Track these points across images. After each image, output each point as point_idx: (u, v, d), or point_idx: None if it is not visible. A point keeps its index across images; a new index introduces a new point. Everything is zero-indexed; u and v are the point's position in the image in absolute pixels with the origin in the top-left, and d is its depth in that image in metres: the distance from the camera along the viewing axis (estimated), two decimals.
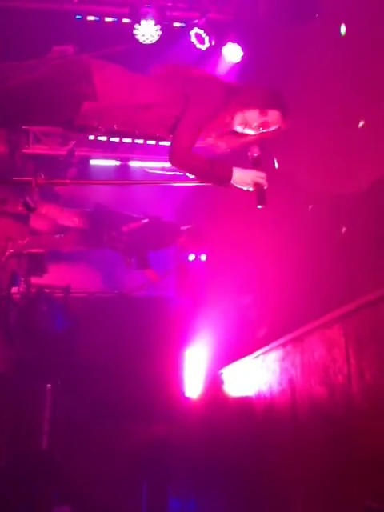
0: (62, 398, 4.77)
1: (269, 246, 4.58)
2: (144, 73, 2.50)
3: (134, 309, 5.89)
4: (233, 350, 4.70)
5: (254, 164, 2.35)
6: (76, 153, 6.07)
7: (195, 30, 5.42)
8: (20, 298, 5.49)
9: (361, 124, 3.64)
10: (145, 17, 5.26)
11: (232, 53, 5.49)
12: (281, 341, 3.17)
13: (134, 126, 2.43)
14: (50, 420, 4.55)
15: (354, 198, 3.58)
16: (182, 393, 5.54)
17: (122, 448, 5.06)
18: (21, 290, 5.48)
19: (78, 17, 5.43)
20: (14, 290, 5.44)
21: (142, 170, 6.48)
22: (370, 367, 2.13)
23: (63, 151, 5.94)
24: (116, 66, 2.42)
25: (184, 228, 5.47)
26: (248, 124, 2.38)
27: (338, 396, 2.41)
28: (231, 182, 2.31)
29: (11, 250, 5.25)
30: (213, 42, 5.43)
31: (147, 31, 5.29)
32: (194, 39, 5.45)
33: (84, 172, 6.28)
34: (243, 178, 2.31)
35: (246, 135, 2.45)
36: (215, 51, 5.53)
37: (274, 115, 2.38)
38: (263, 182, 2.31)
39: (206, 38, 5.42)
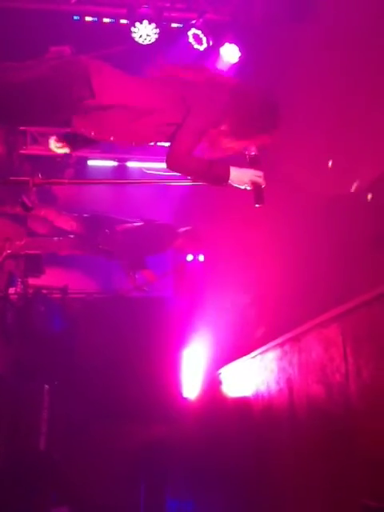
0: (59, 398, 4.76)
1: (266, 246, 4.58)
2: (141, 74, 2.49)
3: (131, 309, 5.88)
4: (231, 350, 4.71)
5: (252, 163, 2.36)
6: (73, 153, 6.07)
7: (193, 30, 5.43)
8: (17, 298, 5.48)
9: (358, 125, 3.65)
10: (142, 18, 5.27)
11: (230, 53, 5.50)
12: (278, 340, 3.18)
13: (132, 137, 2.41)
14: (47, 420, 4.54)
15: (352, 197, 3.59)
16: (180, 393, 5.54)
17: (120, 448, 5.05)
18: (18, 290, 5.47)
19: (75, 17, 5.44)
20: (12, 290, 5.43)
21: (140, 171, 6.48)
22: (367, 366, 2.13)
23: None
24: (113, 68, 2.41)
25: (181, 230, 5.47)
26: (249, 149, 2.40)
27: (335, 395, 2.41)
28: (229, 181, 2.31)
29: (8, 251, 5.25)
30: (210, 43, 5.44)
31: (145, 32, 5.30)
32: (191, 40, 5.47)
33: (81, 173, 6.29)
34: (241, 177, 2.31)
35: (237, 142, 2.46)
36: (213, 52, 5.54)
37: (263, 139, 2.42)
38: (261, 180, 2.31)
39: (204, 39, 5.44)
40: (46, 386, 4.66)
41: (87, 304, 6.03)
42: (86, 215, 5.49)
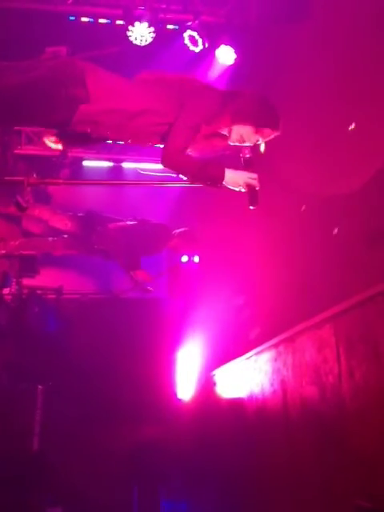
0: (53, 399, 4.75)
1: (261, 247, 4.60)
2: (133, 78, 2.51)
3: (126, 310, 5.87)
4: (225, 352, 4.71)
5: (246, 165, 2.37)
6: (69, 154, 6.07)
7: (188, 32, 5.44)
8: (12, 299, 5.46)
9: (351, 126, 3.67)
10: (138, 19, 5.28)
11: (225, 55, 5.51)
12: (273, 341, 3.19)
13: (128, 135, 2.43)
14: (41, 422, 4.53)
15: (346, 198, 3.61)
16: (175, 394, 5.53)
17: (114, 449, 5.04)
18: (12, 291, 5.45)
19: (71, 18, 5.43)
20: (6, 291, 5.41)
21: (135, 171, 6.48)
22: (359, 367, 2.14)
23: (56, 152, 5.93)
24: (107, 71, 2.43)
25: (177, 231, 5.47)
26: (243, 139, 2.41)
27: (328, 396, 2.42)
28: (223, 182, 2.32)
29: (3, 251, 5.23)
30: (206, 45, 5.45)
31: (141, 33, 5.30)
32: (187, 41, 5.47)
33: (77, 173, 6.28)
34: (235, 179, 2.32)
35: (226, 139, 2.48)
36: (208, 53, 5.55)
37: (267, 132, 2.42)
38: (255, 182, 2.32)
39: (200, 41, 5.44)
40: (40, 387, 4.65)
41: (82, 305, 6.02)
42: (80, 214, 5.48)
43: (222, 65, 5.56)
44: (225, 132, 2.47)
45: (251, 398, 3.66)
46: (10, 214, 5.03)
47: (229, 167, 2.34)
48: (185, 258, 5.88)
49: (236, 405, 4.01)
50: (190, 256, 5.92)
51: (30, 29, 5.13)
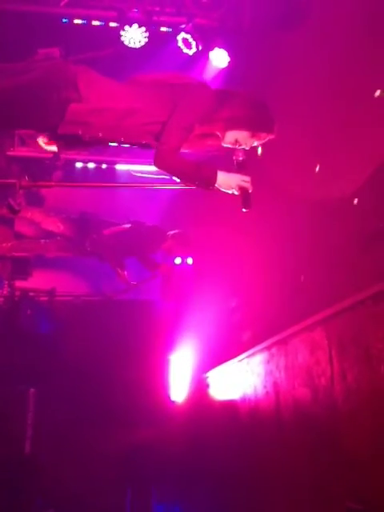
0: (45, 402, 4.73)
1: (254, 250, 4.61)
2: (126, 79, 2.50)
3: (119, 312, 5.86)
4: (218, 354, 4.72)
5: (239, 168, 2.37)
6: (62, 156, 6.05)
7: (182, 34, 5.45)
8: (4, 301, 5.44)
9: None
10: (132, 21, 5.28)
11: (219, 58, 5.53)
12: (265, 344, 3.19)
13: (120, 134, 2.42)
14: (33, 424, 4.51)
15: (338, 201, 3.63)
16: (168, 396, 5.53)
17: (107, 452, 5.02)
18: (5, 293, 5.43)
19: (64, 20, 5.43)
20: None
21: (128, 173, 6.47)
22: (351, 369, 2.15)
23: (49, 154, 5.92)
24: (99, 73, 2.42)
25: (170, 233, 5.47)
26: (238, 143, 2.41)
27: (321, 398, 2.43)
28: (216, 185, 2.32)
29: None
30: (200, 47, 5.47)
31: (134, 35, 5.31)
32: (180, 44, 5.49)
33: (70, 175, 6.26)
34: (228, 182, 2.32)
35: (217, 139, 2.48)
36: (202, 56, 5.57)
37: (263, 136, 2.43)
38: (248, 185, 2.32)
39: (193, 43, 5.46)
40: (32, 390, 4.63)
41: (74, 307, 6.00)
42: (73, 217, 5.47)
43: (216, 67, 5.58)
44: (219, 134, 2.47)
45: (244, 400, 3.66)
46: (3, 216, 5.01)
47: (222, 170, 2.34)
48: (178, 260, 5.88)
49: (229, 407, 4.01)
50: (184, 258, 5.93)
51: (23, 30, 5.12)
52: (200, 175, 2.31)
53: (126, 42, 5.33)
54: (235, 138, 2.41)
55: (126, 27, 5.28)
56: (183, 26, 5.44)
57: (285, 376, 2.88)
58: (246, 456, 3.61)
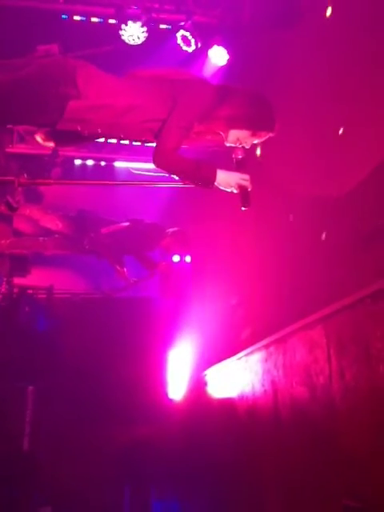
0: (44, 399, 4.73)
1: (253, 248, 4.61)
2: (125, 75, 2.49)
3: (117, 310, 5.86)
4: (216, 352, 4.72)
5: (239, 166, 2.37)
6: (60, 153, 6.05)
7: (181, 32, 5.44)
8: (2, 298, 5.44)
9: (341, 130, 3.69)
10: (131, 18, 5.27)
11: (218, 56, 5.53)
12: (264, 342, 3.19)
13: (119, 130, 2.41)
14: (31, 422, 4.51)
15: (337, 200, 3.62)
16: (166, 394, 5.54)
17: (105, 449, 5.03)
18: (3, 290, 5.43)
19: (63, 16, 5.41)
20: None
21: (127, 171, 6.47)
22: (350, 367, 2.16)
23: (48, 151, 5.91)
24: (98, 69, 2.41)
25: (169, 231, 5.47)
26: (239, 142, 2.41)
27: (319, 396, 2.43)
28: (215, 183, 2.32)
29: None
30: (199, 45, 5.46)
31: (133, 32, 5.30)
32: (180, 41, 5.48)
33: (68, 172, 6.26)
34: (227, 180, 2.31)
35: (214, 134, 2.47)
36: (201, 54, 5.56)
37: (264, 134, 2.42)
38: (247, 184, 2.31)
39: (192, 41, 5.45)
40: (30, 387, 4.63)
41: (73, 304, 6.00)
42: (71, 215, 5.47)
43: (215, 65, 5.57)
44: (220, 132, 2.46)
45: (242, 398, 3.66)
46: (1, 214, 5.00)
47: (221, 168, 2.34)
48: (177, 258, 5.89)
49: (227, 405, 4.02)
50: (182, 256, 5.93)
51: (22, 27, 5.10)
52: (199, 174, 2.30)
53: (125, 39, 5.31)
54: (237, 137, 2.40)
55: (127, 24, 5.27)
56: (182, 24, 5.43)
57: (283, 374, 2.88)
58: (243, 454, 3.62)
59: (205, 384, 4.84)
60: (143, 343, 5.40)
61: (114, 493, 5.02)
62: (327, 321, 2.37)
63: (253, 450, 3.41)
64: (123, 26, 5.27)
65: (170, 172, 2.34)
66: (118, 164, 6.58)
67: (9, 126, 5.76)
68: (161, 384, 5.54)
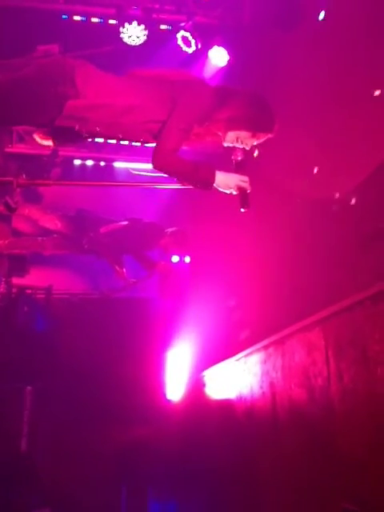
0: (42, 400, 4.73)
1: (252, 249, 4.60)
2: (125, 74, 2.49)
3: (116, 310, 5.86)
4: (215, 353, 4.71)
5: (238, 167, 2.36)
6: (60, 153, 6.04)
7: (182, 32, 5.44)
8: (1, 298, 5.43)
9: (344, 129, 3.69)
10: (131, 19, 5.27)
11: (218, 56, 5.53)
12: (262, 343, 3.19)
13: (118, 130, 2.40)
14: (29, 422, 4.50)
15: (337, 202, 3.62)
16: (164, 395, 5.53)
17: (103, 450, 5.03)
18: (2, 290, 5.42)
19: (64, 16, 5.41)
20: None
21: (127, 171, 6.46)
22: (348, 370, 2.15)
23: (47, 151, 5.91)
24: (97, 68, 2.40)
25: (168, 230, 5.46)
26: (239, 143, 2.41)
27: (317, 398, 2.43)
28: (214, 185, 2.31)
29: None
30: (199, 46, 5.46)
31: (133, 33, 5.30)
32: (180, 42, 5.47)
33: (68, 172, 6.25)
34: (226, 182, 2.31)
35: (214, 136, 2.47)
36: (201, 54, 5.56)
37: (263, 135, 2.42)
38: (246, 185, 2.31)
39: (193, 41, 5.45)
40: (28, 388, 4.62)
41: (71, 304, 5.99)
42: (71, 214, 5.46)
43: (215, 66, 5.57)
44: (219, 134, 2.46)
45: (240, 400, 3.66)
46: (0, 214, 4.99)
47: (220, 169, 2.33)
48: (176, 259, 5.88)
49: (225, 406, 4.01)
50: (181, 256, 5.92)
51: (22, 27, 5.10)
52: (198, 175, 2.30)
53: (125, 40, 5.31)
54: (236, 138, 2.40)
55: (126, 25, 5.27)
56: (183, 24, 5.43)
57: (281, 376, 2.88)
58: (241, 455, 3.62)
59: (203, 385, 4.83)
60: (141, 344, 5.39)
61: (112, 493, 5.02)
62: (326, 323, 2.36)
63: (251, 452, 3.40)
64: (123, 26, 5.27)
65: (169, 173, 2.34)
66: (118, 164, 6.58)
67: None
68: (159, 385, 5.53)
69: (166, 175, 2.37)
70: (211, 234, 5.33)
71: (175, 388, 5.53)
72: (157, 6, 5.42)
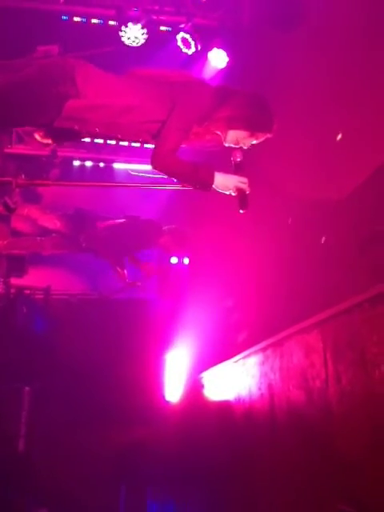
0: (40, 400, 4.72)
1: (251, 251, 4.61)
2: (124, 72, 2.49)
3: (115, 311, 5.86)
4: (213, 354, 4.71)
5: (237, 169, 2.37)
6: (59, 153, 6.04)
7: (181, 34, 5.45)
8: None
9: (339, 136, 3.70)
10: (131, 20, 5.28)
11: (218, 58, 5.53)
12: (261, 345, 3.19)
13: (117, 130, 2.41)
14: (27, 423, 4.50)
15: (335, 204, 3.63)
16: (162, 396, 5.53)
17: (102, 451, 5.02)
18: (0, 291, 5.41)
19: (64, 17, 5.42)
20: None
21: (126, 172, 6.46)
22: (346, 372, 2.16)
23: (46, 151, 5.91)
24: (97, 68, 2.41)
25: (166, 228, 5.44)
26: (238, 142, 2.41)
27: (315, 400, 2.43)
28: (213, 186, 2.32)
29: None
30: (199, 47, 5.47)
31: (133, 34, 5.30)
32: (180, 43, 5.48)
33: (67, 173, 6.25)
34: (225, 183, 2.32)
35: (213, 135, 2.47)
36: (201, 56, 5.57)
37: (262, 135, 2.43)
38: (245, 187, 2.32)
39: (192, 43, 5.46)
40: (27, 388, 4.62)
41: (70, 305, 5.99)
42: (70, 213, 5.44)
43: (215, 67, 5.57)
44: (218, 133, 2.46)
45: (238, 401, 3.66)
46: None
47: (219, 171, 2.34)
48: (175, 260, 5.88)
49: (223, 408, 4.01)
50: (180, 258, 5.92)
51: (22, 27, 5.11)
52: (197, 176, 2.30)
53: (125, 41, 5.32)
54: (235, 137, 2.41)
55: (127, 25, 5.27)
56: (182, 26, 5.44)
57: (279, 378, 2.88)
58: (239, 456, 3.62)
59: (201, 386, 4.83)
60: (140, 345, 5.39)
61: (110, 494, 5.02)
62: (324, 325, 2.37)
63: (248, 453, 3.40)
64: (123, 27, 5.28)
65: (168, 174, 2.35)
66: (117, 166, 6.58)
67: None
68: (157, 386, 5.53)
69: (164, 176, 2.38)
70: (210, 235, 5.33)
71: (174, 389, 5.53)
72: (156, 8, 5.43)
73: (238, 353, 3.66)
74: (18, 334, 5.23)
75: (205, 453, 4.50)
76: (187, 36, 5.43)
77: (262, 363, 3.17)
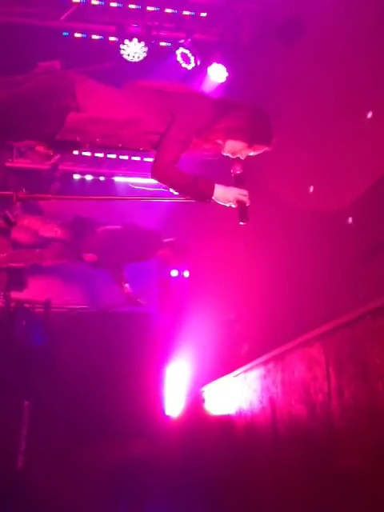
0: (40, 415, 4.68)
1: (252, 263, 4.60)
2: (125, 85, 2.51)
3: (115, 325, 5.82)
4: (214, 368, 4.68)
5: (237, 181, 2.38)
6: (59, 167, 6.07)
7: (181, 49, 5.51)
8: None
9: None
10: (131, 36, 5.34)
11: (217, 73, 5.58)
12: (262, 358, 3.17)
13: (118, 140, 2.43)
14: (26, 438, 4.45)
15: (337, 216, 3.63)
16: (163, 410, 5.48)
17: (102, 465, 4.96)
18: (0, 304, 5.40)
19: (65, 34, 5.48)
20: None
21: (126, 185, 6.49)
22: (349, 386, 2.13)
23: (47, 165, 5.94)
24: (97, 82, 2.44)
25: (166, 240, 5.44)
26: (235, 153, 2.43)
27: (318, 414, 2.40)
28: (213, 198, 2.32)
29: None
30: (198, 62, 5.52)
31: (133, 50, 5.36)
32: (179, 59, 5.54)
33: (67, 186, 6.27)
34: (225, 195, 2.32)
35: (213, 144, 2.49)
36: (201, 71, 5.62)
37: (260, 147, 2.44)
38: (245, 199, 2.32)
39: (192, 58, 5.52)
40: (26, 403, 4.58)
41: (70, 319, 5.96)
42: (70, 221, 5.44)
43: (214, 82, 5.62)
44: (218, 141, 2.48)
45: (240, 415, 3.63)
46: None
47: (219, 183, 2.34)
48: (175, 273, 5.87)
49: (225, 422, 3.97)
50: (181, 270, 5.91)
51: (24, 43, 5.16)
52: (197, 188, 2.31)
53: (125, 56, 5.38)
54: (233, 148, 2.43)
55: (126, 41, 5.33)
56: (182, 41, 5.50)
57: (281, 392, 2.85)
58: (240, 471, 3.57)
59: (203, 400, 4.79)
60: (141, 358, 5.35)
61: (110, 509, 4.94)
62: (326, 338, 2.35)
63: (250, 467, 3.36)
64: (124, 43, 5.34)
65: (168, 185, 2.35)
66: (117, 179, 6.60)
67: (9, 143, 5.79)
68: (158, 400, 5.48)
69: (164, 187, 2.38)
70: (210, 247, 5.33)
71: (174, 403, 5.48)
72: (156, 24, 5.49)
73: (240, 366, 3.63)
74: (18, 348, 5.20)
75: (206, 467, 4.45)
76: (187, 51, 5.50)
77: (264, 377, 3.14)
